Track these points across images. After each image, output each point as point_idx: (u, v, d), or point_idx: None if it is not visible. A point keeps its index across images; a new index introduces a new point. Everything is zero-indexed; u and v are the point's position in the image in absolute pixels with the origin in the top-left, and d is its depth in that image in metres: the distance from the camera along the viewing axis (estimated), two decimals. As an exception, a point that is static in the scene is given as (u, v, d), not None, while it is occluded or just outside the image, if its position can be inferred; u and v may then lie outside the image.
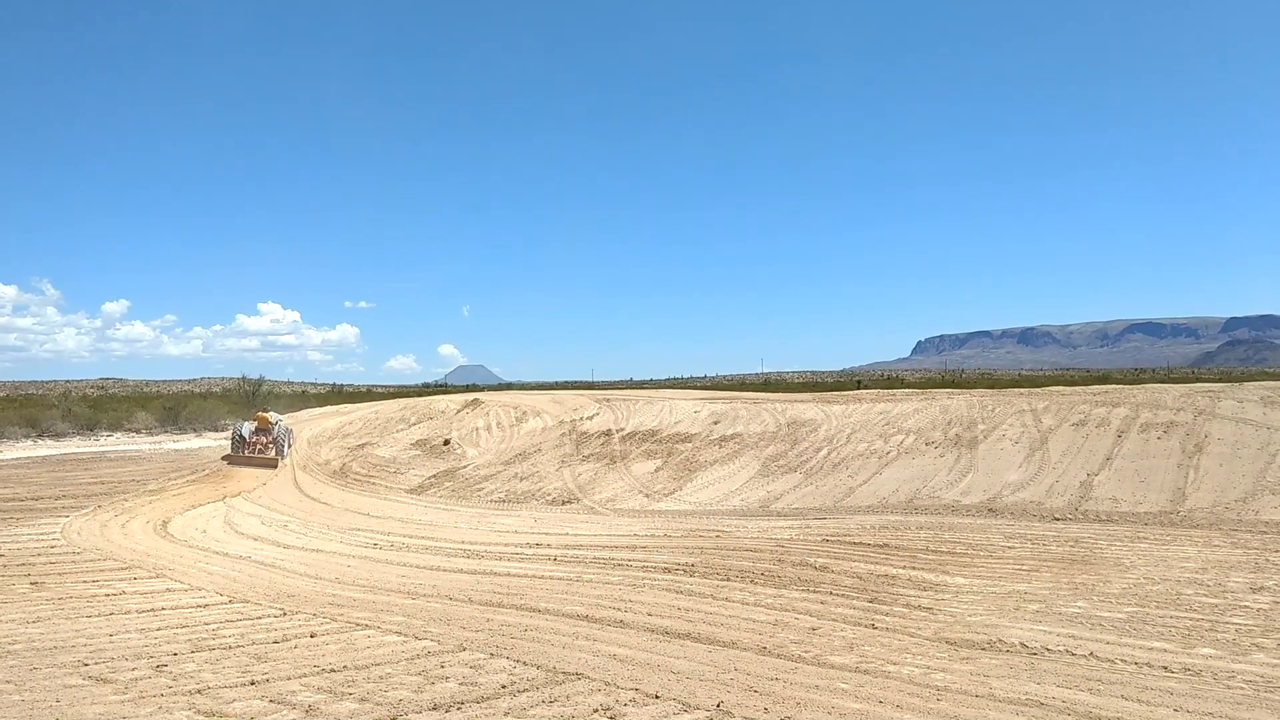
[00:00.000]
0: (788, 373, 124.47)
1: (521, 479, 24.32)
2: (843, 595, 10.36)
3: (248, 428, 30.95)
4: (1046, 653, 7.82)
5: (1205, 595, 9.70)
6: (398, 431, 33.65)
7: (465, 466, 26.87)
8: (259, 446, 30.18)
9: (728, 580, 11.42)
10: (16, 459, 29.80)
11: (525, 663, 7.89)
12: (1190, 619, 8.75)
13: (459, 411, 35.83)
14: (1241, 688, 6.71)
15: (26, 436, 35.75)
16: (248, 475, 27.24)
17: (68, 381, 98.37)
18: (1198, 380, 38.90)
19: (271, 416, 31.90)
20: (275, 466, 28.59)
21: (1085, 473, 17.89)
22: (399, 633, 9.15)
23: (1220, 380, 37.09)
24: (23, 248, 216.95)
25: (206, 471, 27.65)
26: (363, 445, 31.54)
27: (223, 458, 30.79)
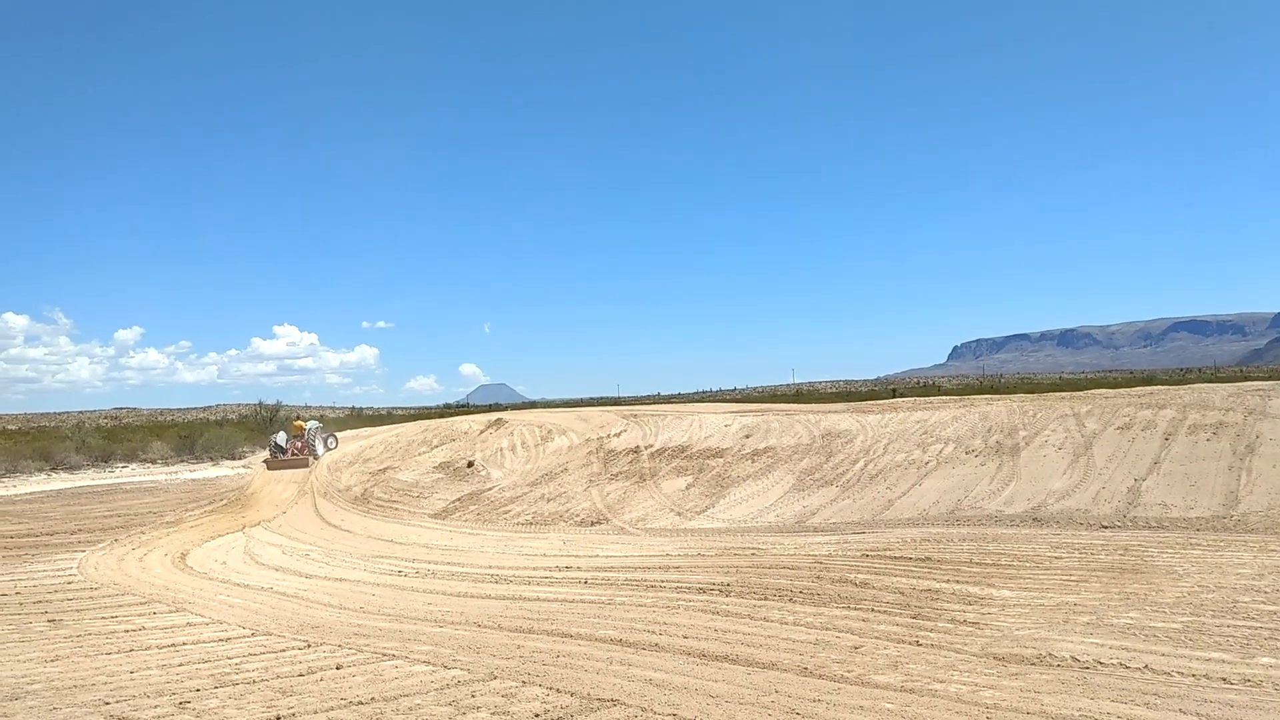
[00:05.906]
0: (820, 383, 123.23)
1: (548, 500, 24.21)
2: (885, 612, 10.08)
3: (284, 436, 35.67)
4: (1099, 666, 7.51)
5: (1263, 603, 9.28)
6: (419, 454, 33.66)
7: (490, 489, 26.82)
8: (293, 451, 34.77)
9: (765, 599, 11.18)
10: (30, 493, 29.50)
11: (558, 690, 7.74)
12: (1248, 627, 8.37)
13: (482, 432, 35.88)
14: (1311, 700, 6.36)
15: (40, 470, 35.17)
16: (267, 504, 27.32)
17: (81, 412, 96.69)
18: (1246, 379, 37.74)
19: (307, 425, 36.26)
20: (308, 466, 33.23)
21: (1132, 478, 17.35)
22: (427, 662, 9.04)
23: (1270, 378, 35.99)
24: (34, 277, 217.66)
25: (225, 501, 27.64)
26: (384, 469, 31.58)
27: (263, 461, 35.29)
